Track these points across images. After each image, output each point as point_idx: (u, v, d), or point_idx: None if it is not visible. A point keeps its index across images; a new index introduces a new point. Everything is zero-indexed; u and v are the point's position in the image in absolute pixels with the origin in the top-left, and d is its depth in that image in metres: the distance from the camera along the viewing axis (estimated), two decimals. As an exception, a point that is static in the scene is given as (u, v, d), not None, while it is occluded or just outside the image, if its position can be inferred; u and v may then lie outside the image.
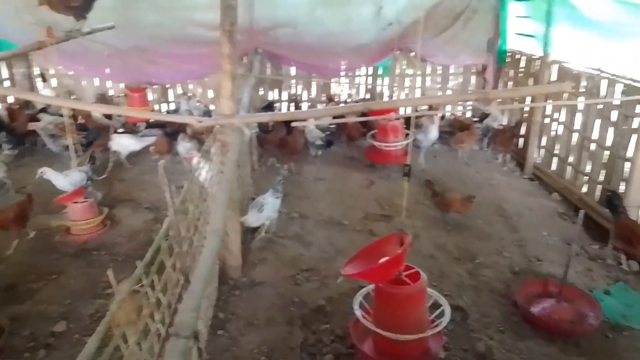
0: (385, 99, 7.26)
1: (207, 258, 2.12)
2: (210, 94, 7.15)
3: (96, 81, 6.87)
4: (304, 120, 4.62)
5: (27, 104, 6.38)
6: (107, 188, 5.13)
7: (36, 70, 6.86)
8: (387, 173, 5.78)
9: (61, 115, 5.96)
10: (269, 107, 6.66)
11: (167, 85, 6.89)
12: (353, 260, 2.93)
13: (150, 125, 6.05)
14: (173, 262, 2.56)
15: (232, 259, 3.78)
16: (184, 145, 5.26)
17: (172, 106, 7.05)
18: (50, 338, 3.10)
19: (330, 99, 7.02)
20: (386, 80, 7.39)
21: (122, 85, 6.74)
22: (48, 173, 4.37)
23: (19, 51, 3.55)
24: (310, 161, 5.98)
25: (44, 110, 6.17)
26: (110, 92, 6.92)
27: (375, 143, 5.70)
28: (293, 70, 7.20)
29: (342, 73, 7.01)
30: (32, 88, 6.80)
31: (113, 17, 4.86)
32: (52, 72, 6.77)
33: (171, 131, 5.80)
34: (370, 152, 5.93)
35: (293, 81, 7.33)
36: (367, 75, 7.36)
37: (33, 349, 3.01)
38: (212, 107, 6.77)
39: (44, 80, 6.55)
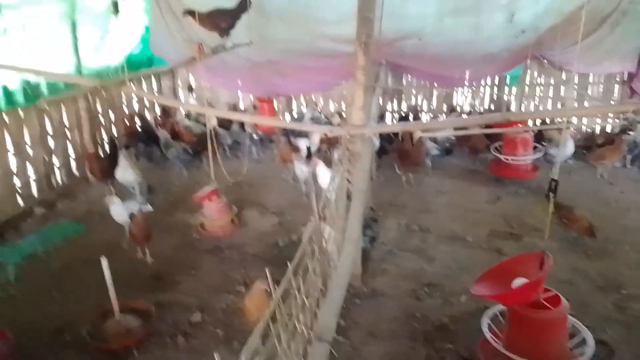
0: (513, 109, 6.83)
1: (346, 266, 2.17)
2: (332, 105, 7.35)
3: (227, 93, 7.45)
4: (434, 130, 4.50)
5: (171, 113, 7.10)
6: (238, 191, 5.49)
7: (179, 83, 7.63)
8: (515, 189, 5.42)
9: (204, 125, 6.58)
10: (405, 117, 6.64)
11: (292, 97, 7.22)
12: (482, 280, 2.79)
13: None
14: (313, 267, 2.61)
15: (353, 267, 3.82)
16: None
17: (295, 116, 7.38)
18: (188, 327, 3.40)
19: (452, 110, 6.81)
20: (513, 89, 6.96)
21: (251, 97, 7.23)
22: (110, 205, 4.42)
23: (176, 65, 4.00)
24: (430, 173, 5.84)
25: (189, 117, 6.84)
26: (240, 103, 7.46)
27: (502, 156, 5.38)
28: (413, 81, 7.12)
29: (467, 83, 6.75)
30: (177, 99, 7.58)
31: (249, 33, 5.22)
32: (193, 84, 7.49)
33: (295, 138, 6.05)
34: (495, 165, 5.62)
35: (413, 91, 7.24)
36: (492, 85, 7.00)
37: (174, 335, 3.31)
38: (333, 117, 6.95)
39: (191, 90, 7.22)
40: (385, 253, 4.20)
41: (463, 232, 4.51)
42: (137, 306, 3.43)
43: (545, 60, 6.10)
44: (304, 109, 7.26)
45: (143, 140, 6.31)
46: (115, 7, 3.88)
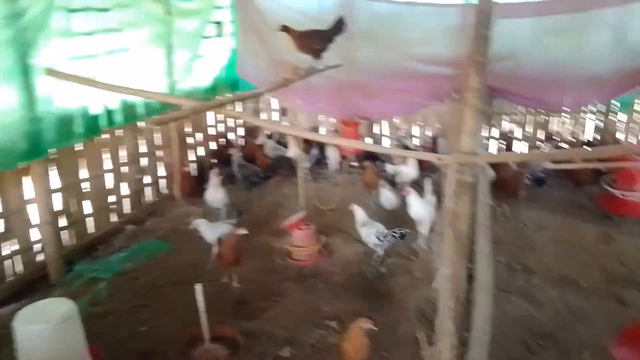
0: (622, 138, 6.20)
1: (483, 321, 1.88)
2: (415, 129, 7.09)
3: (307, 116, 7.41)
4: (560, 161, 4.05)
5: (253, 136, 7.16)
6: (320, 217, 5.33)
7: (261, 105, 7.72)
8: (631, 228, 4.83)
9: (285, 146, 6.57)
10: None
11: (373, 121, 7.04)
12: (626, 340, 2.37)
13: (363, 157, 6.22)
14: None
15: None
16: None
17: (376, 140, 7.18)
18: (277, 361, 3.22)
19: (549, 138, 6.30)
20: (621, 117, 6.34)
21: (332, 119, 7.14)
22: (200, 225, 4.40)
23: (271, 89, 3.93)
24: (528, 205, 5.37)
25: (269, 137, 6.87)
26: (321, 127, 7.40)
27: (615, 191, 4.82)
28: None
29: (566, 108, 6.22)
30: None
31: (336, 54, 5.11)
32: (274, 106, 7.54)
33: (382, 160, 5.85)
34: (605, 200, 5.05)
35: (504, 117, 6.81)
36: (596, 112, 6.42)
37: (263, 369, 3.15)
38: (414, 141, 6.69)
39: (284, 114, 7.24)
40: (486, 293, 3.81)
41: (574, 275, 4.03)
42: (225, 334, 3.31)
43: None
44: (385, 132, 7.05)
45: (225, 162, 6.37)
46: (219, 29, 3.89)
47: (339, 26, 4.30)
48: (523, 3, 5.43)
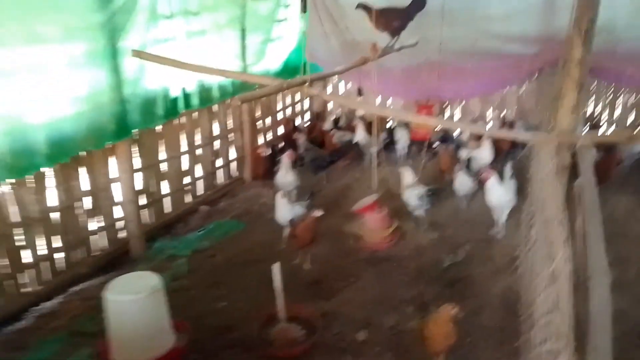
0: None
1: (603, 308, 1.72)
2: (490, 112, 6.75)
3: (375, 98, 7.24)
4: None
5: (320, 120, 7.13)
6: (390, 201, 5.21)
7: (329, 89, 7.65)
8: None
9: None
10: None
11: (447, 102, 6.78)
12: None
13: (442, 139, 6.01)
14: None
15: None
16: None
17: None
18: (354, 343, 3.18)
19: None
20: None
21: (401, 102, 6.95)
22: (279, 203, 4.35)
23: (349, 67, 3.85)
24: (620, 190, 4.92)
25: (337, 125, 6.80)
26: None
27: None
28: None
29: None
30: (326, 105, 7.62)
31: (409, 33, 4.92)
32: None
33: (456, 145, 5.62)
34: None
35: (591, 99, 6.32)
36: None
37: (341, 351, 3.12)
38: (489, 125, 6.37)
39: (360, 94, 7.09)
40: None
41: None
42: (303, 314, 3.32)
43: None
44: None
45: (293, 145, 6.38)
46: (304, 6, 3.86)
47: (419, 3, 4.14)
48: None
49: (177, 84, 4.64)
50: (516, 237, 4.31)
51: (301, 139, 6.22)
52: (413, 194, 4.50)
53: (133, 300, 2.63)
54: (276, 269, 3.05)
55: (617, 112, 6.22)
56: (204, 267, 4.22)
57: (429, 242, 4.42)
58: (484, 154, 5.34)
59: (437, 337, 2.55)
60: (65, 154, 3.59)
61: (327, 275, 4.00)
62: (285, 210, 4.27)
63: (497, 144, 5.53)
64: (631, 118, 6.09)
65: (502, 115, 6.54)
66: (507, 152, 5.62)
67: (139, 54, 3.52)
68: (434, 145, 5.60)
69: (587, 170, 2.38)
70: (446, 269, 3.97)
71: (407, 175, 4.60)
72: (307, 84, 3.06)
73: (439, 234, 4.52)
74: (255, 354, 3.11)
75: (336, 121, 7.06)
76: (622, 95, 6.09)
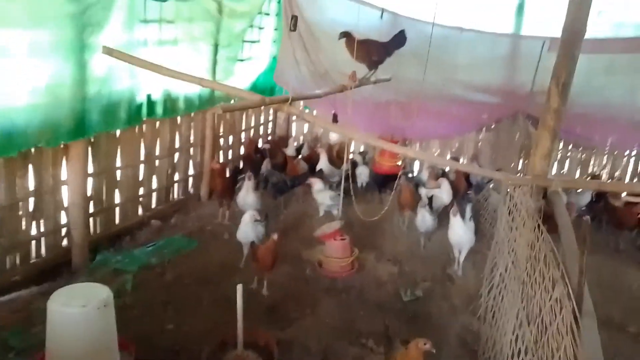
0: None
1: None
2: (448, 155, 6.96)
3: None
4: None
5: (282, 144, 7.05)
6: (350, 232, 5.17)
7: (293, 117, 7.63)
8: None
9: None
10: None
11: (407, 142, 6.93)
12: None
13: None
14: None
15: None
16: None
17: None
18: (311, 376, 3.03)
19: (594, 176, 6.13)
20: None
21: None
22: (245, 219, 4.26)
23: (327, 93, 3.84)
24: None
25: (299, 152, 6.77)
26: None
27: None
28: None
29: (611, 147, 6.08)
30: (289, 131, 7.58)
31: (385, 70, 5.04)
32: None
33: (415, 183, 5.71)
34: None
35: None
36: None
37: (299, 381, 2.96)
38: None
39: (336, 121, 7.05)
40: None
41: (620, 319, 3.83)
42: (259, 340, 3.13)
43: None
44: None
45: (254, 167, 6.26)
46: (294, 24, 3.83)
47: (399, 40, 4.24)
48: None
49: (143, 90, 4.45)
50: (473, 277, 4.41)
51: (264, 162, 6.11)
52: (325, 196, 5.38)
53: (81, 313, 2.36)
54: (239, 290, 2.87)
55: (565, 168, 6.59)
56: (151, 285, 3.94)
57: (388, 275, 4.38)
58: (443, 193, 5.45)
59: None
60: (13, 147, 3.27)
61: (283, 301, 3.84)
62: (249, 230, 4.10)
63: (454, 184, 5.67)
64: (577, 174, 6.47)
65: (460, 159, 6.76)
66: (463, 194, 5.77)
67: (110, 51, 3.32)
68: (400, 180, 5.65)
69: (563, 215, 2.44)
70: (406, 303, 3.93)
71: (317, 184, 5.47)
72: (289, 102, 3.00)
73: (399, 269, 4.50)
74: (206, 382, 2.88)
75: (298, 149, 7.01)
76: (570, 153, 6.48)
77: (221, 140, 6.21)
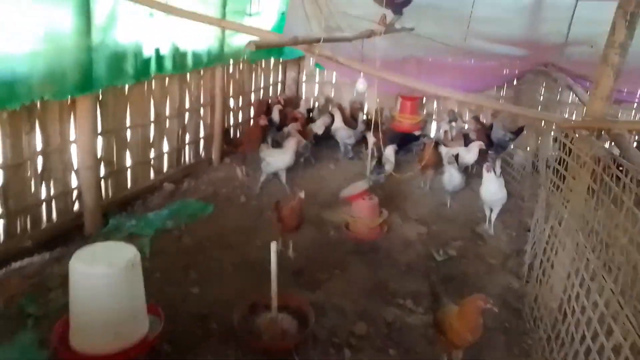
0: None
1: None
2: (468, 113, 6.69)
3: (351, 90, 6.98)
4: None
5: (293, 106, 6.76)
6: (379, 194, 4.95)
7: (303, 77, 7.31)
8: None
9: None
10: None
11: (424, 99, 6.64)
12: None
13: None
14: None
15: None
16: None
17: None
18: (351, 338, 2.84)
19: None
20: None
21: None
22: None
23: (355, 37, 3.53)
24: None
25: (310, 115, 6.51)
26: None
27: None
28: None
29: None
30: (298, 92, 7.27)
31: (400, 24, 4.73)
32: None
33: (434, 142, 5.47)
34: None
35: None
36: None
37: (337, 346, 2.77)
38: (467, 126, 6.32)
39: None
40: None
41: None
42: (293, 303, 2.93)
43: None
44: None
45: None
46: None
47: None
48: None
49: (151, 43, 4.13)
50: (506, 235, 4.22)
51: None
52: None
53: (107, 274, 2.14)
54: (273, 248, 2.65)
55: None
56: (169, 249, 3.73)
57: (417, 236, 4.18)
58: (469, 152, 5.21)
59: (462, 330, 2.27)
60: (16, 98, 2.97)
61: (310, 264, 3.64)
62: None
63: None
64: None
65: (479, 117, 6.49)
66: (484, 153, 5.53)
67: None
68: (423, 139, 5.42)
69: (636, 154, 2.20)
70: (439, 263, 3.74)
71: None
72: (321, 41, 2.71)
73: (427, 229, 4.30)
74: (239, 347, 2.69)
75: (309, 111, 6.73)
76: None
77: (230, 102, 5.92)
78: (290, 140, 4.86)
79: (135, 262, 2.28)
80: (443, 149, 5.38)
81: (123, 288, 2.23)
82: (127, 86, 4.13)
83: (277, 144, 5.36)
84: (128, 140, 4.33)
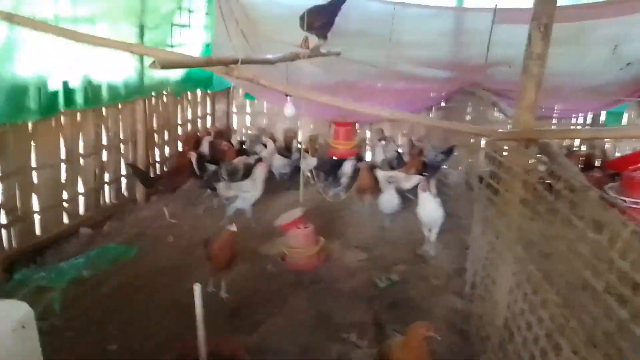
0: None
1: None
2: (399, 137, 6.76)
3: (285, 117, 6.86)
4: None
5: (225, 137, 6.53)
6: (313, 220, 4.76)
7: (233, 108, 7.11)
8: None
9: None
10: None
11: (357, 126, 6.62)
12: None
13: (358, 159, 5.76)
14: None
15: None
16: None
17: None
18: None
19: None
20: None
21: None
22: None
23: (278, 59, 3.37)
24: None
25: (242, 147, 6.29)
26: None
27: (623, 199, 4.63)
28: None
29: (557, 116, 6.10)
30: (229, 124, 7.05)
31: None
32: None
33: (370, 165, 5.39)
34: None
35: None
36: (584, 124, 6.35)
37: (278, 392, 2.49)
38: (400, 149, 6.36)
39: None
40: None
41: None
42: (224, 349, 2.62)
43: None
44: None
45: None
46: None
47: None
48: (525, 9, 5.32)
49: (58, 75, 3.79)
50: (446, 255, 4.15)
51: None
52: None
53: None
54: (197, 291, 2.36)
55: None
56: (85, 302, 3.30)
57: (358, 262, 4.01)
58: (408, 180, 5.15)
59: (409, 363, 2.09)
60: None
61: (246, 303, 3.35)
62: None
63: (409, 166, 5.43)
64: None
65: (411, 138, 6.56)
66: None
67: (10, 16, 2.70)
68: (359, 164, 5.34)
69: (566, 163, 2.17)
70: (383, 290, 3.58)
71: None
72: (238, 63, 2.53)
73: (367, 255, 4.14)
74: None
75: (241, 142, 6.50)
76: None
77: (155, 137, 5.58)
78: (259, 167, 4.63)
79: (27, 323, 1.92)
80: (379, 172, 5.31)
81: (11, 353, 1.85)
82: (30, 123, 3.72)
83: (211, 180, 5.03)
84: (35, 182, 3.89)
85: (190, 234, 4.47)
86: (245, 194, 4.58)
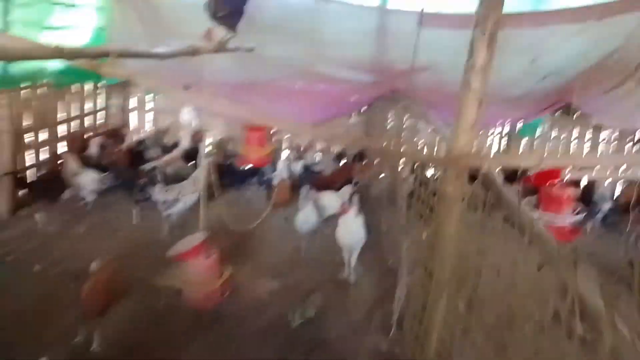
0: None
1: None
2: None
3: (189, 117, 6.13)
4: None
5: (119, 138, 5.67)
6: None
7: (132, 103, 6.24)
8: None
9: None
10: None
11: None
12: None
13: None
14: None
15: None
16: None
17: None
18: None
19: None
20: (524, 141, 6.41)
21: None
22: None
23: (175, 54, 2.73)
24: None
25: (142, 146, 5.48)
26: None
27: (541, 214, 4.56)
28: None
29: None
30: (126, 121, 6.17)
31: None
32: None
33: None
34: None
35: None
36: (500, 134, 6.36)
37: None
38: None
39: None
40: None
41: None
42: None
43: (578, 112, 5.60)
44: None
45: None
46: None
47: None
48: (450, 15, 5.10)
49: None
50: (368, 282, 3.76)
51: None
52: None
53: None
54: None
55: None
56: None
57: (269, 293, 3.47)
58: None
59: None
60: None
61: (136, 352, 2.69)
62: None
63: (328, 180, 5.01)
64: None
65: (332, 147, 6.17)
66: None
67: None
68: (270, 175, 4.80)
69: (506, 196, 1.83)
70: (297, 330, 3.07)
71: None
72: (110, 57, 1.88)
73: (281, 282, 3.62)
74: None
75: (140, 143, 5.67)
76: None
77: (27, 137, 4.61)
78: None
79: None
80: (303, 189, 4.79)
81: None
82: None
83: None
84: None
85: (66, 261, 3.64)
86: (187, 197, 4.20)
